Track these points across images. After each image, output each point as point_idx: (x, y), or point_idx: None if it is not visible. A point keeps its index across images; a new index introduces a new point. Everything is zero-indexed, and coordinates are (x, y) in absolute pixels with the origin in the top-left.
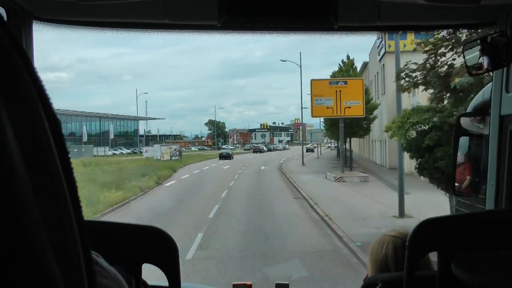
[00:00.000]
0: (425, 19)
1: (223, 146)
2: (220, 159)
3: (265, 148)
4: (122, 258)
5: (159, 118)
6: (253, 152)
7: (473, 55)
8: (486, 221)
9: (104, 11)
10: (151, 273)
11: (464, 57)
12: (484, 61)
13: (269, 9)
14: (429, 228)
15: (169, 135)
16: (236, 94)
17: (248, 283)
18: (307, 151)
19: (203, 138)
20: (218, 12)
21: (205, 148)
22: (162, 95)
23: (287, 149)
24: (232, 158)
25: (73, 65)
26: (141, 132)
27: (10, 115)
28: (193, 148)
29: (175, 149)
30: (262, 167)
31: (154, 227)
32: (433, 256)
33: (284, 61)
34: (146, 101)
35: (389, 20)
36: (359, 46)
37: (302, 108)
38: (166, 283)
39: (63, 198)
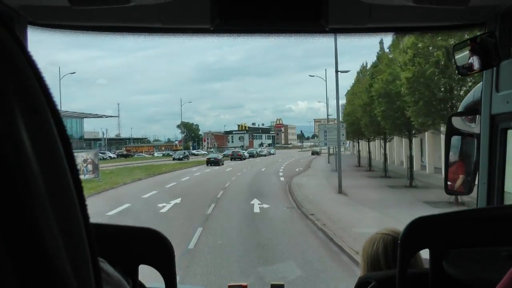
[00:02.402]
0: (415, 20)
1: (194, 151)
2: (207, 165)
3: (246, 154)
4: (119, 259)
5: (110, 116)
6: (231, 159)
7: (463, 55)
8: (477, 218)
9: (98, 15)
10: (148, 275)
11: (454, 57)
12: (474, 61)
13: (261, 12)
14: (421, 226)
15: (128, 139)
16: (212, 98)
17: (244, 284)
18: (312, 154)
19: (176, 142)
20: (211, 16)
21: (172, 153)
22: (137, 99)
23: (273, 153)
24: (222, 164)
25: (47, 68)
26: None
27: (25, 120)
28: (156, 154)
29: (86, 160)
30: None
31: (150, 229)
32: (425, 254)
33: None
34: (118, 104)
35: (379, 21)
36: (332, 49)
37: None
38: (162, 285)
39: (73, 202)
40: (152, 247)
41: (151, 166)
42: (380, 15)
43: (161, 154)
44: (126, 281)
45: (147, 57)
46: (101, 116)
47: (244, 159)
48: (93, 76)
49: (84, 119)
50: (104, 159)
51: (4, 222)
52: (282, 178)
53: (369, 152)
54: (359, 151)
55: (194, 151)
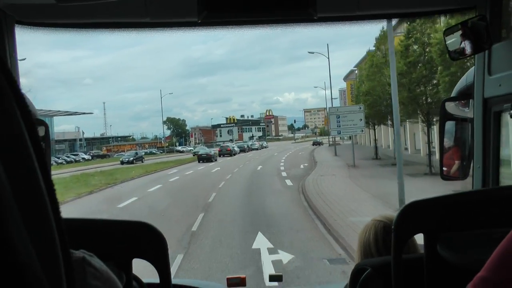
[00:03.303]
0: (404, 6)
1: (179, 148)
2: (199, 161)
3: (236, 148)
4: (112, 254)
5: (83, 113)
6: (219, 155)
7: (454, 40)
8: (471, 201)
9: (84, 12)
10: (143, 269)
11: (445, 42)
12: (466, 45)
13: (248, 3)
14: (415, 210)
15: (111, 137)
16: (199, 93)
17: (242, 276)
18: (313, 144)
19: (162, 139)
20: (198, 9)
21: (155, 151)
22: (124, 97)
23: (265, 147)
24: (216, 160)
25: (32, 70)
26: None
27: None
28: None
29: None
30: None
31: (142, 222)
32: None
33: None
34: (104, 103)
35: (368, 9)
36: (323, 39)
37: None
38: (157, 279)
39: (41, 198)
40: (145, 240)
41: (117, 171)
42: (368, 2)
43: (143, 153)
44: (119, 276)
45: (132, 55)
46: (74, 114)
47: (234, 154)
48: (79, 76)
49: (74, 118)
50: (76, 161)
51: None
52: (288, 181)
53: (395, 140)
54: (375, 139)
55: (179, 148)
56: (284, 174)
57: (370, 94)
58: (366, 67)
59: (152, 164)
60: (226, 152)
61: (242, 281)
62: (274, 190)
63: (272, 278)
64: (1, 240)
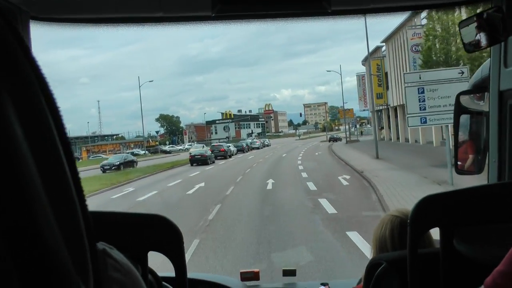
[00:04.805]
0: None
1: (165, 148)
2: (191, 165)
3: (232, 148)
4: (128, 246)
5: None
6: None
7: (470, 32)
8: (487, 195)
9: (99, 7)
10: (158, 263)
11: (460, 34)
12: (481, 37)
13: None
14: (430, 204)
15: (95, 136)
16: (195, 91)
17: (256, 270)
18: (329, 140)
19: (152, 137)
20: (212, 3)
21: (141, 152)
22: (120, 96)
23: (268, 145)
24: (213, 162)
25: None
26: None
27: (19, 115)
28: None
29: None
30: None
31: (158, 215)
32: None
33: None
34: (98, 101)
35: (383, 1)
36: (319, 34)
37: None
38: (172, 273)
39: (70, 192)
40: (161, 233)
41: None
42: None
43: (130, 154)
44: (135, 268)
45: (129, 53)
46: None
47: (230, 155)
48: (76, 76)
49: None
50: None
51: (2, 217)
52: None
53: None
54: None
55: (164, 148)
56: (324, 204)
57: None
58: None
59: (112, 176)
60: (218, 154)
61: (255, 275)
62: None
63: (286, 272)
64: (30, 227)
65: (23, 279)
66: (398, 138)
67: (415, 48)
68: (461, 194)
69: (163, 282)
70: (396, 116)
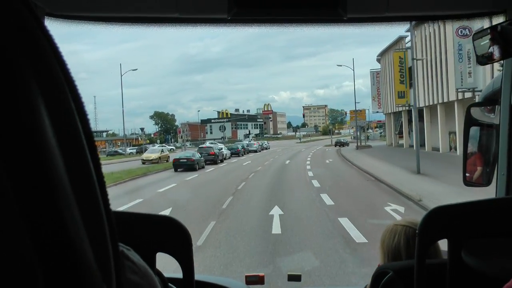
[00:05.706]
0: (433, 9)
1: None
2: (175, 170)
3: (224, 151)
4: (136, 247)
5: None
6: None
7: (483, 44)
8: (496, 208)
9: (115, 6)
10: (166, 264)
11: (474, 46)
12: (495, 50)
13: (278, 1)
14: (439, 216)
15: None
16: (194, 90)
17: (261, 274)
18: (335, 145)
19: (152, 135)
20: (228, 5)
21: (128, 151)
22: (119, 93)
23: (266, 147)
24: (203, 167)
25: None
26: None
27: (50, 115)
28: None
29: None
30: None
31: (167, 217)
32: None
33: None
34: (94, 96)
35: (397, 10)
36: (319, 38)
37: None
38: (180, 274)
39: (95, 192)
40: (170, 235)
41: None
42: (398, 4)
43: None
44: None
45: (129, 50)
46: None
47: (222, 160)
48: (75, 70)
49: None
50: None
51: (29, 213)
52: None
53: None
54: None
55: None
56: None
57: None
58: None
59: None
60: (207, 158)
61: (260, 279)
62: None
63: (291, 277)
64: (58, 228)
65: (48, 279)
66: (423, 145)
67: (461, 32)
68: (470, 206)
69: (169, 284)
70: (422, 119)
